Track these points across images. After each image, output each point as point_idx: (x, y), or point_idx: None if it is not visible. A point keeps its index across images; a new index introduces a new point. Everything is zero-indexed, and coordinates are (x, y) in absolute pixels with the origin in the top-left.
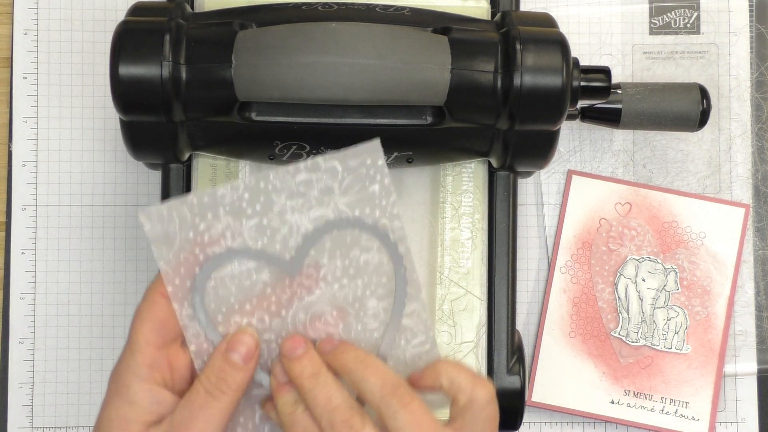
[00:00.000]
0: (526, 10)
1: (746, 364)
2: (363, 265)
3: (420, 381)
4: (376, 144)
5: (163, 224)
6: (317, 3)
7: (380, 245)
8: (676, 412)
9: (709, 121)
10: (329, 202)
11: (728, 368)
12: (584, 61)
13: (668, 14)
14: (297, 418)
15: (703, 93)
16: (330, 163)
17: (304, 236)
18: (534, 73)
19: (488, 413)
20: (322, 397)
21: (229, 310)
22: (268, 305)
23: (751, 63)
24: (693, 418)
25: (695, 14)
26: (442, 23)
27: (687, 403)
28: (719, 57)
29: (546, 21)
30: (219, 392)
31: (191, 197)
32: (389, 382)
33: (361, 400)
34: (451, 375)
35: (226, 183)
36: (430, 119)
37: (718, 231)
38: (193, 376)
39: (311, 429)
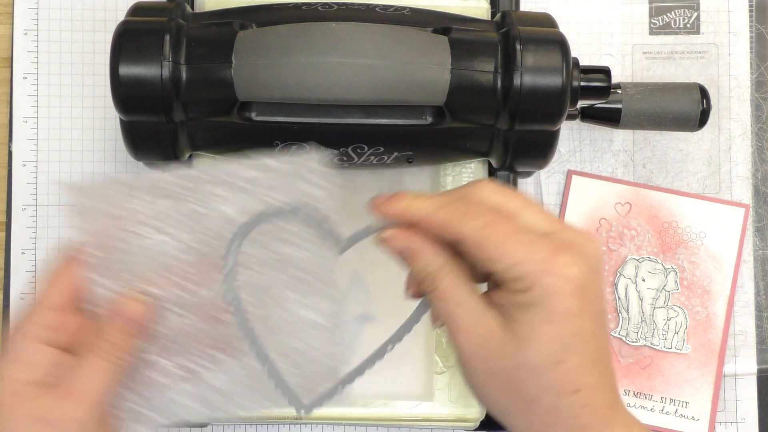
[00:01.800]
0: (526, 10)
1: (746, 364)
2: (286, 258)
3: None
4: (322, 153)
5: (91, 199)
6: (317, 3)
7: (311, 243)
8: (675, 412)
9: (709, 121)
10: (268, 197)
11: (728, 368)
12: (584, 61)
13: (668, 14)
14: (449, 269)
15: (703, 93)
16: (277, 164)
17: (239, 227)
18: (534, 73)
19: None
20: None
21: (142, 280)
22: (185, 284)
23: (751, 63)
24: (693, 418)
25: (695, 14)
26: (442, 23)
27: (687, 403)
28: (719, 57)
29: (546, 21)
30: (108, 355)
31: (131, 179)
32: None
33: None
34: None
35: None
36: (430, 119)
37: (718, 231)
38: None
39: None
